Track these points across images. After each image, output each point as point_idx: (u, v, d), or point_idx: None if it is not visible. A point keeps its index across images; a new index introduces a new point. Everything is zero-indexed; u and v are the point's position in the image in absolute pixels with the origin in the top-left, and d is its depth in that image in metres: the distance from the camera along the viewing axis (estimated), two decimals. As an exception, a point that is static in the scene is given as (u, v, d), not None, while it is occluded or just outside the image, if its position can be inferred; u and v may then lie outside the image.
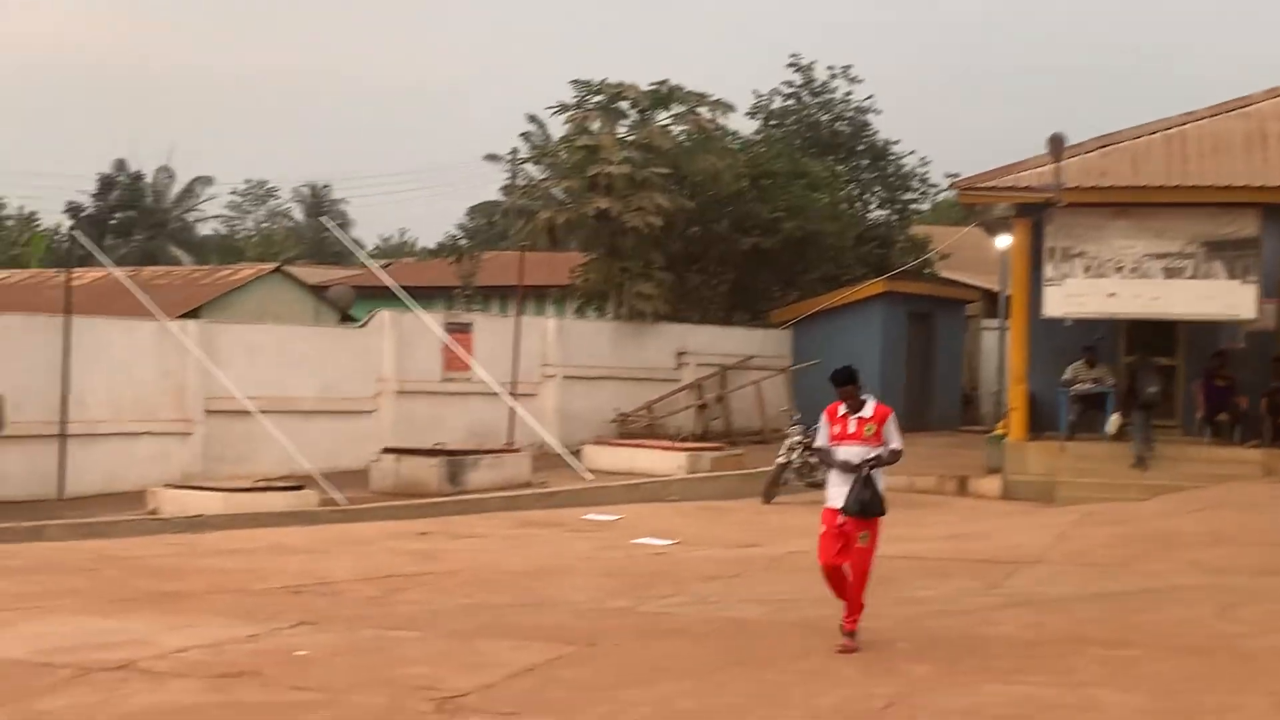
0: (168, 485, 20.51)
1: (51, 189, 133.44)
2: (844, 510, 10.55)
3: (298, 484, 20.83)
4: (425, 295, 33.44)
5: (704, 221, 34.67)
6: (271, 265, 39.78)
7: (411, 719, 8.80)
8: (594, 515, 20.81)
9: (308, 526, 19.03)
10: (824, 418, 10.91)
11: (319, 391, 25.05)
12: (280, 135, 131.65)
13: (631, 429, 29.46)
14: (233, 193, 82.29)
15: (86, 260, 34.02)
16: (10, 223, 61.33)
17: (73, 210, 62.57)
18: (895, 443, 10.78)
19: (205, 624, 11.72)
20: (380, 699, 9.25)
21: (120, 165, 64.44)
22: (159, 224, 64.16)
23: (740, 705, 9.16)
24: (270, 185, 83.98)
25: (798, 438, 22.95)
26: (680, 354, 32.08)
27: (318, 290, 37.36)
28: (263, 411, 22.69)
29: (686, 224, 34.21)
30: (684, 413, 30.72)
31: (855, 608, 10.73)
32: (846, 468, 10.63)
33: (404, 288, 28.69)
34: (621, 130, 33.26)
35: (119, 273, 28.03)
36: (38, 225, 61.04)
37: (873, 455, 10.59)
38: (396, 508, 20.86)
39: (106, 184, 63.60)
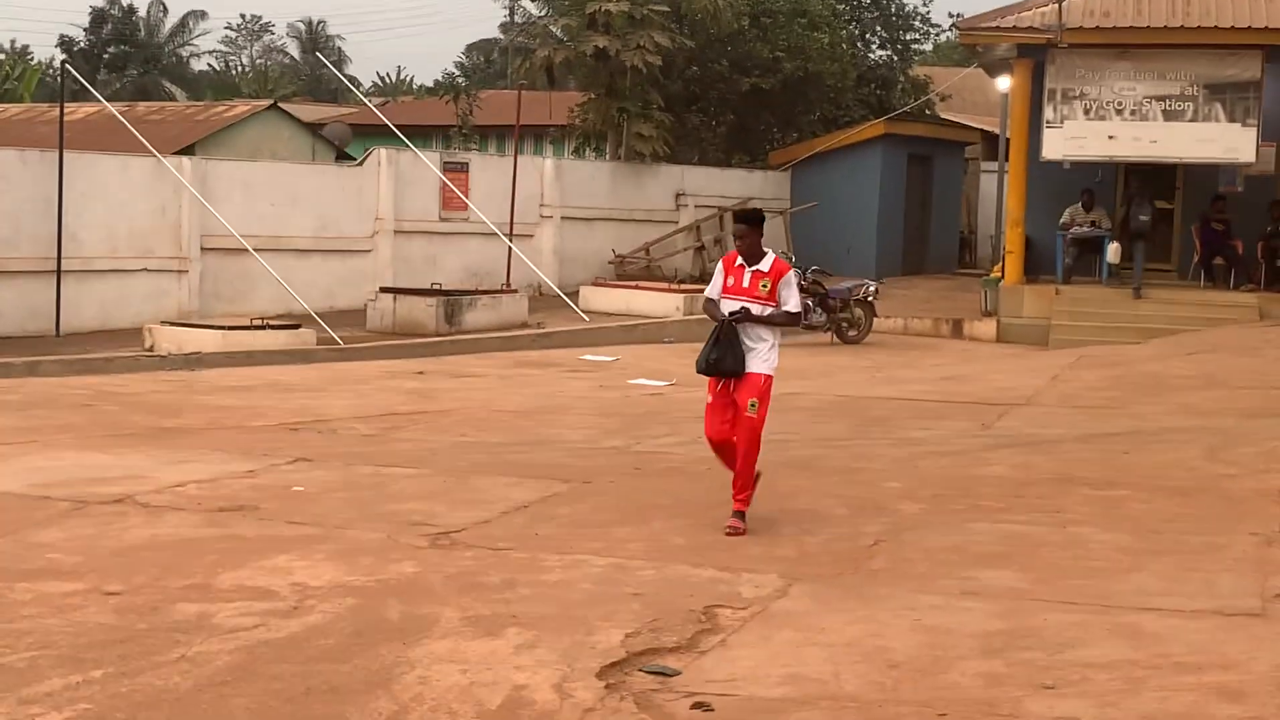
0: (164, 323, 20.49)
1: (44, 22, 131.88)
2: (697, 368, 9.50)
3: (295, 323, 20.87)
4: (422, 134, 33.31)
5: (703, 61, 34.34)
6: (267, 102, 39.44)
7: (406, 554, 8.89)
8: (591, 356, 20.92)
9: (305, 365, 19.11)
10: (720, 266, 9.64)
11: (315, 230, 24.96)
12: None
13: (629, 270, 29.41)
14: (227, 27, 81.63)
15: (80, 95, 33.75)
16: (2, 57, 60.69)
17: (65, 44, 61.99)
18: (791, 304, 9.43)
19: (202, 460, 11.81)
20: (376, 534, 9.36)
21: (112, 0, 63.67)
22: (152, 59, 63.61)
23: (732, 542, 9.27)
24: (265, 20, 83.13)
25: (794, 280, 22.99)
26: (678, 195, 31.96)
27: (314, 128, 37.10)
28: (259, 250, 22.63)
29: (686, 63, 33.89)
30: (682, 254, 30.62)
31: (743, 484, 9.49)
32: (713, 318, 9.52)
33: (401, 126, 28.51)
34: (621, -34, 32.78)
35: (112, 108, 27.82)
36: (30, 59, 60.42)
37: (738, 309, 9.28)
38: (393, 347, 20.93)
39: (99, 18, 62.96)
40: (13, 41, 65.30)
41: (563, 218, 29.40)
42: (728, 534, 9.30)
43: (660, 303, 25.55)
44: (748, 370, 9.28)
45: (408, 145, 26.87)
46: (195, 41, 69.16)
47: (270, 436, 13.25)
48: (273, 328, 20.36)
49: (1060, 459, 12.50)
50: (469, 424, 14.51)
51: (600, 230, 29.99)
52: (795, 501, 10.46)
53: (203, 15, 67.98)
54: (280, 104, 39.02)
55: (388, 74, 76.81)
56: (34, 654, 7.08)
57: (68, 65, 28.63)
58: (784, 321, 9.50)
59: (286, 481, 11.03)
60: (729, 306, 9.35)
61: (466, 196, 26.78)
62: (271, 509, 10.05)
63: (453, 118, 37.00)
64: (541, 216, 29.04)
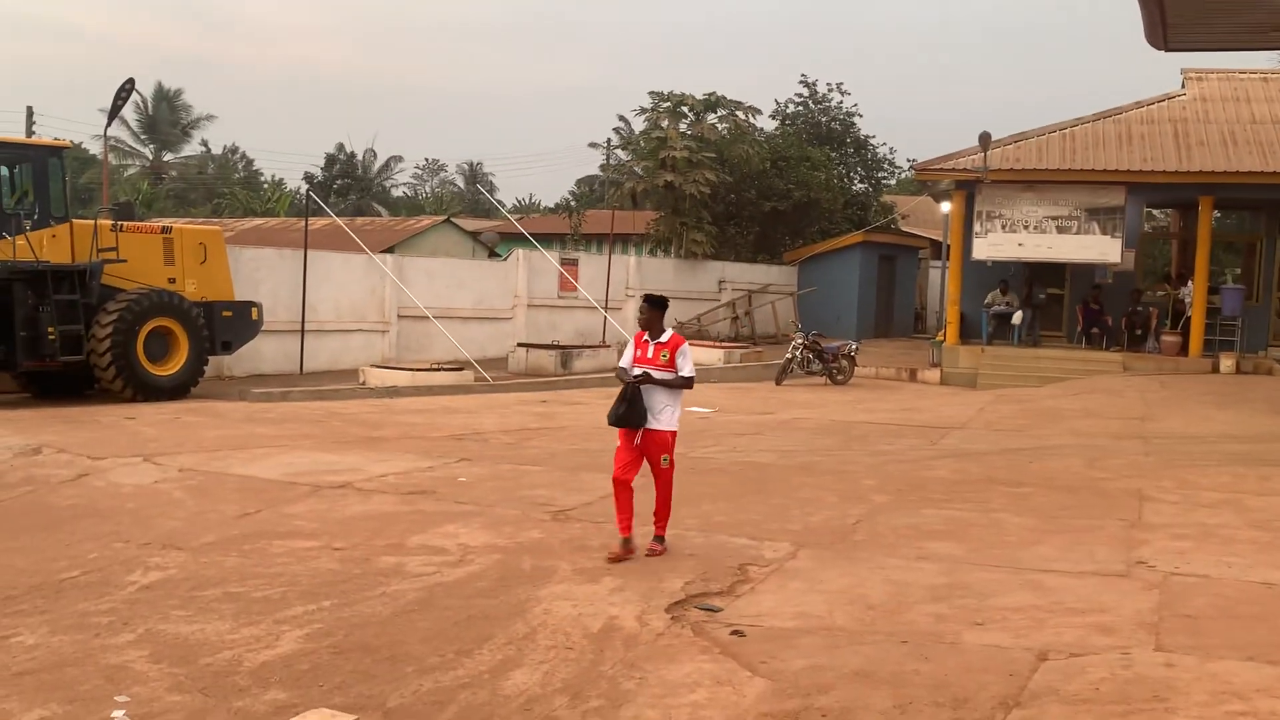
0: (372, 365, 20.70)
1: (293, 163, 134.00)
2: (609, 420, 7.98)
3: (459, 366, 20.97)
4: (546, 239, 33.46)
5: (738, 190, 34.34)
6: (442, 217, 39.79)
7: (535, 524, 8.92)
8: (659, 391, 20.78)
9: (466, 395, 19.20)
10: (631, 341, 8.18)
11: (474, 304, 25.11)
12: (448, 128, 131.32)
13: (685, 333, 29.38)
14: (416, 167, 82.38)
15: (317, 212, 34.16)
16: (265, 186, 61.60)
17: (308, 177, 62.84)
18: (686, 370, 7.93)
19: (398, 459, 11.91)
20: (514, 510, 9.39)
21: (340, 147, 64.55)
22: (365, 188, 64.31)
23: (757, 520, 9.23)
24: (441, 162, 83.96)
25: (799, 340, 22.90)
26: (720, 282, 31.91)
27: (473, 235, 37.39)
28: (436, 317, 22.81)
29: (726, 192, 33.93)
30: (722, 322, 30.62)
31: (662, 516, 8.15)
32: (622, 381, 7.98)
33: (532, 234, 28.70)
34: (682, 126, 32.90)
35: (340, 221, 28.17)
36: (284, 187, 61.30)
37: (639, 373, 7.86)
38: (526, 383, 20.95)
39: (331, 160, 63.76)
40: (272, 176, 66.39)
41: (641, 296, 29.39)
42: (648, 555, 7.91)
43: (707, 355, 25.37)
44: (656, 428, 7.85)
45: (537, 247, 27.03)
46: (395, 176, 69.89)
47: (443, 443, 13.32)
48: (444, 369, 20.47)
49: (985, 465, 12.35)
50: (578, 436, 14.50)
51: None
52: (800, 493, 10.39)
53: (399, 159, 68.77)
54: (451, 219, 39.33)
55: (523, 198, 77.35)
56: (284, 589, 7.17)
57: (310, 193, 29.01)
58: (679, 385, 7.90)
59: (454, 474, 11.09)
60: (635, 372, 7.93)
61: (576, 282, 26.86)
62: (444, 493, 10.11)
63: (567, 228, 37.21)
64: (627, 295, 29.02)
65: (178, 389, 16.90)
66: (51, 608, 6.88)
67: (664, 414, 7.90)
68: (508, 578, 7.41)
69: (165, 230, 18.03)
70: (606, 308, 26.66)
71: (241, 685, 5.66)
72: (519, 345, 23.47)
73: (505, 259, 27.42)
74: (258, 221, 41.43)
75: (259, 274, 20.66)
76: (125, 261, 16.75)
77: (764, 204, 34.28)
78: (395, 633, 6.36)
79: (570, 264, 27.53)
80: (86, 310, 16.20)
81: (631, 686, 5.62)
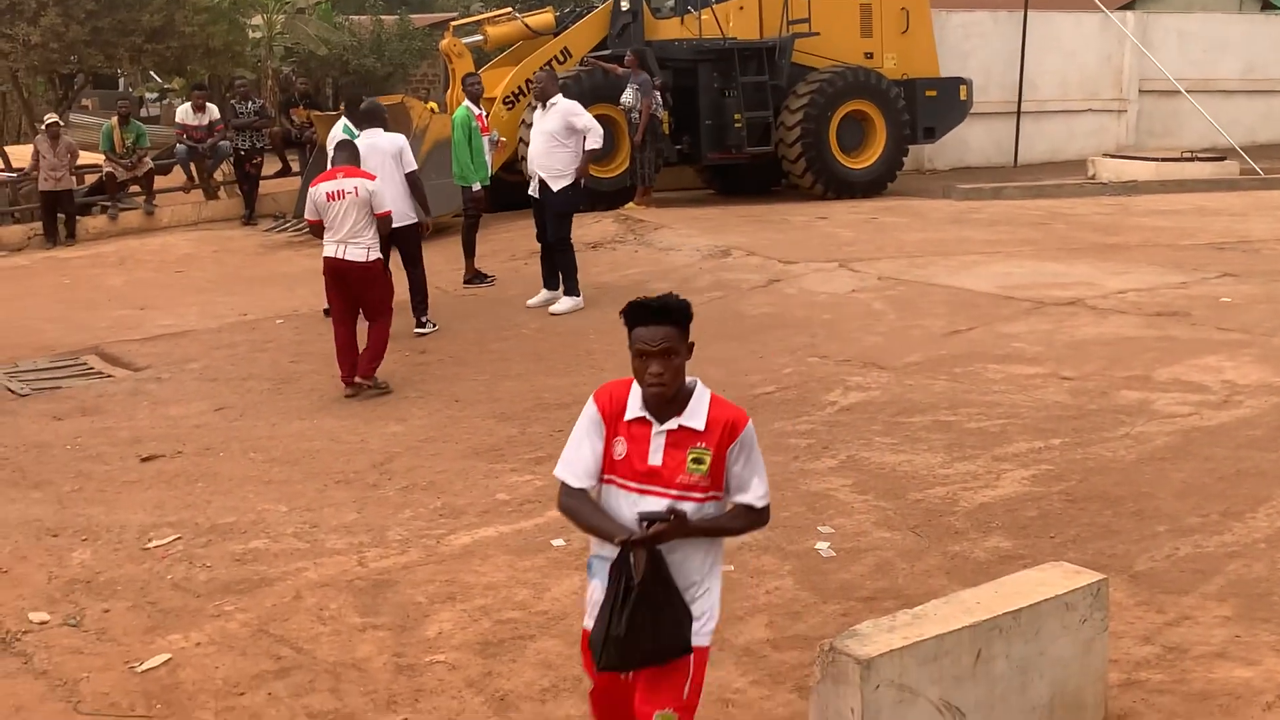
0: (1104, 155, 20.22)
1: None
2: (592, 652, 3.66)
3: (1220, 155, 19.79)
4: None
5: None
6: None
7: (1329, 361, 8.30)
8: None
9: (1228, 193, 18.12)
10: (588, 415, 3.69)
11: (1241, 73, 23.38)
12: None
13: None
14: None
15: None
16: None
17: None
18: (753, 493, 3.64)
19: (1139, 271, 11.60)
20: (1301, 342, 8.80)
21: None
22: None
23: None
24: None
25: None
26: None
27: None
28: (1189, 91, 21.59)
29: None
30: None
31: None
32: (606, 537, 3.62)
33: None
34: None
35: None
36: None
37: (661, 513, 3.51)
38: (1312, 178, 19.33)
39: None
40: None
41: None
42: None
43: None
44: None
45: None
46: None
47: (1197, 254, 12.70)
48: (1200, 159, 19.45)
49: None
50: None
51: None
52: None
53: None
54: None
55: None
56: (1004, 421, 7.37)
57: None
58: (743, 527, 3.77)
59: (1214, 293, 10.59)
60: (633, 507, 3.60)
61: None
62: (1201, 316, 9.72)
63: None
64: None
65: (872, 184, 17.63)
66: (748, 424, 7.63)
67: (692, 603, 3.68)
68: (1291, 427, 7.01)
69: (867, -7, 18.54)
70: None
71: (957, 528, 5.94)
72: (1305, 127, 21.70)
73: (1290, 11, 25.14)
74: (963, -21, 41.44)
75: (968, 44, 20.83)
76: (818, 35, 17.55)
77: None
78: (1141, 483, 6.30)
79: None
80: (774, 93, 17.30)
81: None
